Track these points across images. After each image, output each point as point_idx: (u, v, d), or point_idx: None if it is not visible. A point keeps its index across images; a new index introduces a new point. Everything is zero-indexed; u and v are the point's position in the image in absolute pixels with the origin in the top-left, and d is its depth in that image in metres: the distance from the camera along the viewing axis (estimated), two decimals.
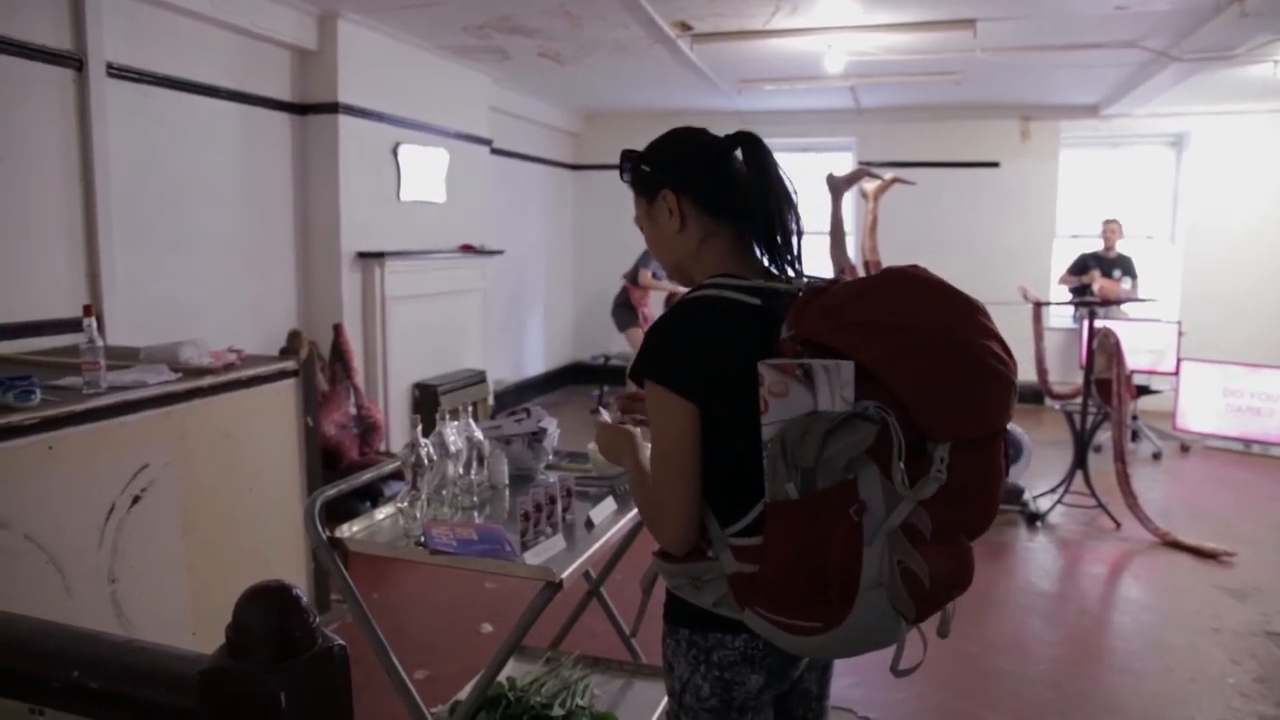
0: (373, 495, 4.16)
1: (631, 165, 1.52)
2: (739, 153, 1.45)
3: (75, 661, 0.85)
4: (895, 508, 1.22)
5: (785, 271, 1.45)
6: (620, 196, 7.55)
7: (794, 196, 1.46)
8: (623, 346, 8.13)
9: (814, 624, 1.27)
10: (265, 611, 0.81)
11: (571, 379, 9.15)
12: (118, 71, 3.83)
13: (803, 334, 1.28)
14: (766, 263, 1.46)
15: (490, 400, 6.44)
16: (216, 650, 0.81)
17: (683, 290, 1.49)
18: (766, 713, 1.48)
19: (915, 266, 1.35)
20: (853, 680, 3.16)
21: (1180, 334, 6.85)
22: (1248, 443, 6.67)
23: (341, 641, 0.84)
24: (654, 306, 7.78)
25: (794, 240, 1.45)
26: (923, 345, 1.25)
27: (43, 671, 0.85)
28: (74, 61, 3.61)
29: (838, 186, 4.52)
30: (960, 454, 1.26)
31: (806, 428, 1.23)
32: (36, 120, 3.52)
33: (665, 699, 2.42)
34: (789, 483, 1.24)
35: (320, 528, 1.78)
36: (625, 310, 7.80)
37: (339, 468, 4.49)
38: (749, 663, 1.40)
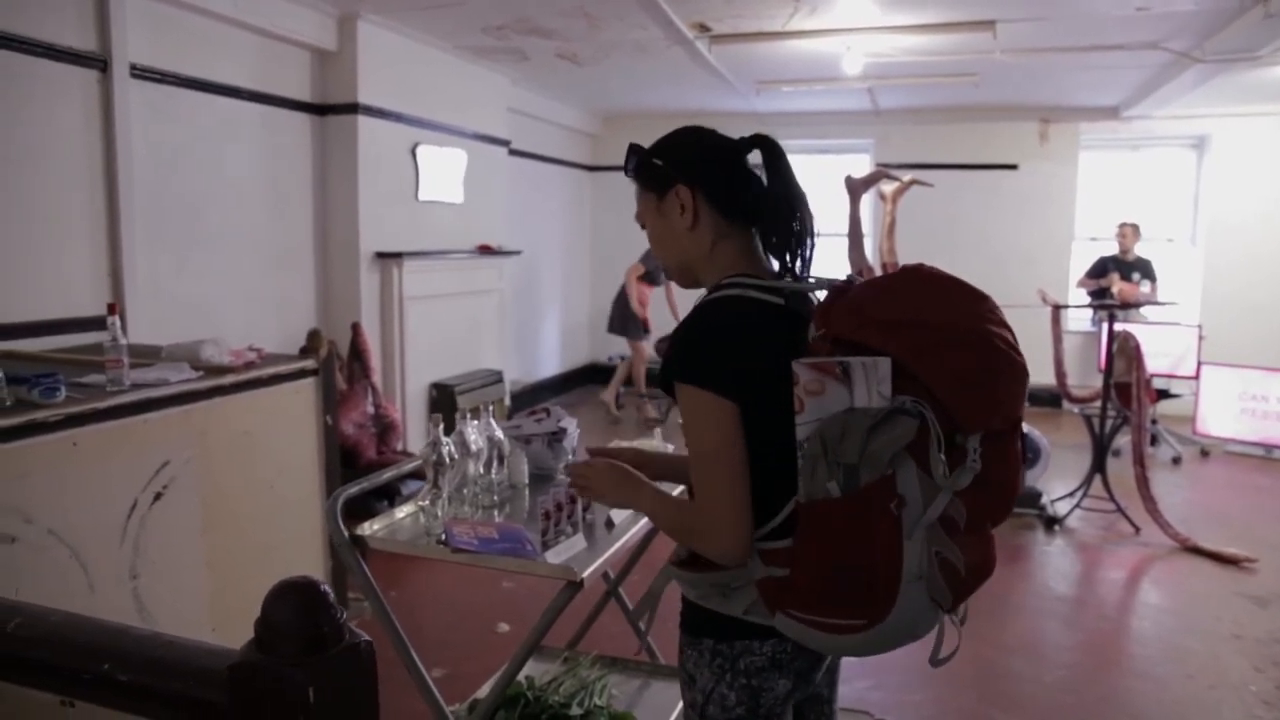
0: (390, 494, 4.19)
1: (640, 160, 1.51)
2: (755, 155, 1.45)
3: (105, 654, 0.86)
4: (933, 500, 1.24)
5: (796, 274, 1.46)
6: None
7: (807, 200, 1.47)
8: None
9: (857, 622, 1.27)
10: (294, 607, 0.81)
11: (587, 380, 9.16)
12: (141, 72, 3.87)
13: (832, 332, 1.28)
14: (775, 266, 1.47)
15: (506, 400, 6.46)
16: (245, 645, 0.81)
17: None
18: (788, 718, 1.46)
19: (922, 265, 1.37)
20: (870, 683, 3.15)
21: (1200, 338, 6.79)
22: (1269, 448, 6.60)
23: (368, 637, 0.84)
24: (655, 311, 7.70)
25: (808, 243, 1.46)
26: (948, 340, 1.27)
27: (74, 664, 0.86)
28: (98, 62, 3.65)
29: (856, 188, 4.51)
30: (989, 445, 1.27)
31: (846, 425, 1.24)
32: (61, 120, 3.56)
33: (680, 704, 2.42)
34: (830, 481, 1.24)
35: (342, 526, 1.79)
36: (631, 320, 7.61)
37: (356, 467, 4.52)
38: (777, 668, 1.39)
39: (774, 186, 1.43)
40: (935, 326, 1.28)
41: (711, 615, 1.40)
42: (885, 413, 1.24)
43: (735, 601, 1.38)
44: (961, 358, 1.26)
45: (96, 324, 3.40)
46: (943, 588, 1.26)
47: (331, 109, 5.07)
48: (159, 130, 4.01)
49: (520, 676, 2.17)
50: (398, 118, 5.38)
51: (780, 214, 1.43)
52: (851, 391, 1.25)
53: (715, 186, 1.44)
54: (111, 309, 2.62)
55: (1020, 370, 1.31)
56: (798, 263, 1.45)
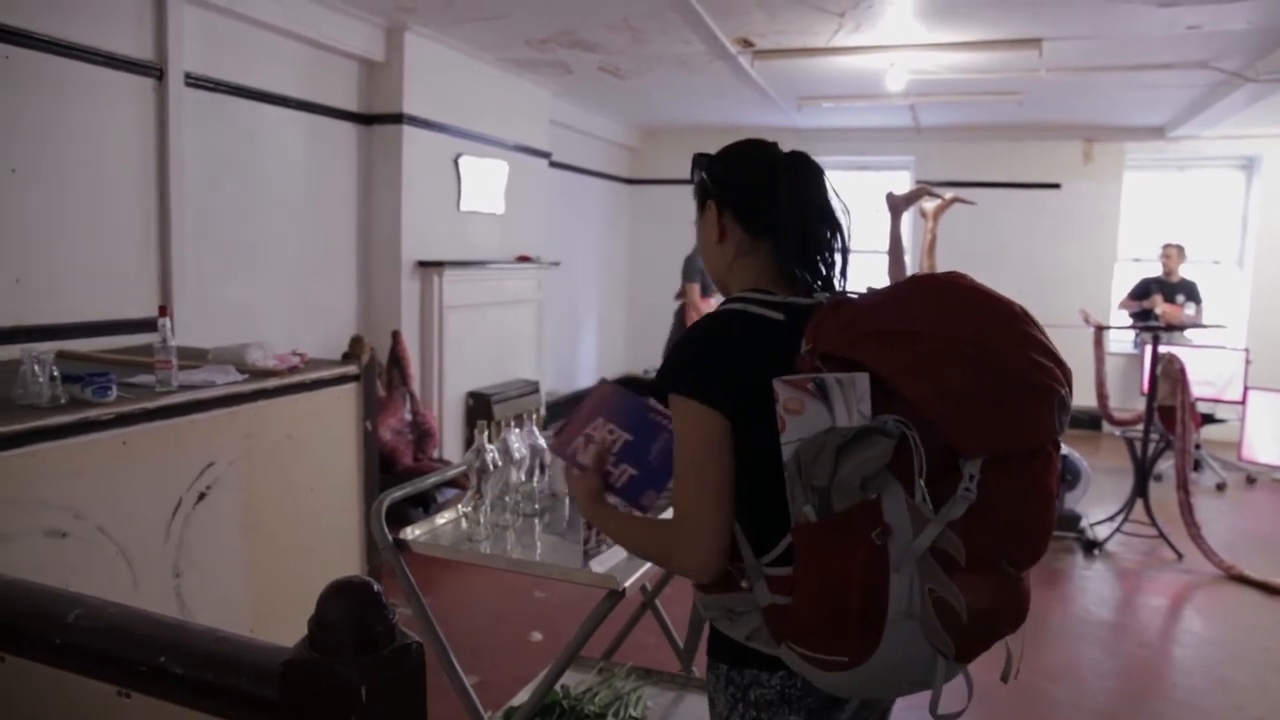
0: (425, 502, 4.22)
1: (695, 170, 1.53)
2: (785, 173, 1.43)
3: (162, 647, 0.88)
4: (922, 531, 1.15)
5: (824, 290, 1.43)
6: (675, 212, 7.55)
7: (839, 216, 1.44)
8: None
9: (839, 659, 1.20)
10: (348, 606, 0.83)
11: None
12: (195, 81, 3.96)
13: (820, 348, 1.23)
14: (811, 281, 1.43)
15: (542, 411, 6.48)
16: (299, 642, 0.82)
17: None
18: None
19: (953, 273, 1.31)
20: (902, 704, 3.10)
21: (1248, 361, 6.65)
22: None
23: (418, 639, 0.85)
24: None
25: (833, 260, 1.43)
26: (942, 353, 1.19)
27: (131, 656, 0.88)
28: (155, 71, 3.74)
29: (897, 205, 4.47)
30: (996, 472, 1.18)
31: (821, 445, 1.17)
32: (118, 127, 3.65)
33: None
34: (806, 504, 1.19)
35: (386, 530, 1.81)
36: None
37: (393, 473, 4.56)
38: (786, 703, 1.32)
39: (796, 203, 1.41)
40: (930, 338, 1.20)
41: (725, 639, 1.37)
42: (857, 432, 1.17)
43: (739, 626, 1.33)
44: (955, 373, 1.18)
45: (146, 326, 3.47)
46: (939, 631, 1.17)
47: (377, 119, 5.15)
48: (209, 137, 4.10)
49: (555, 685, 2.17)
50: (441, 128, 5.45)
51: (801, 230, 1.40)
52: (831, 410, 1.18)
53: (739, 203, 1.44)
54: (162, 311, 2.68)
55: (1042, 392, 1.20)
56: (822, 278, 1.43)
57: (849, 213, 1.45)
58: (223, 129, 4.20)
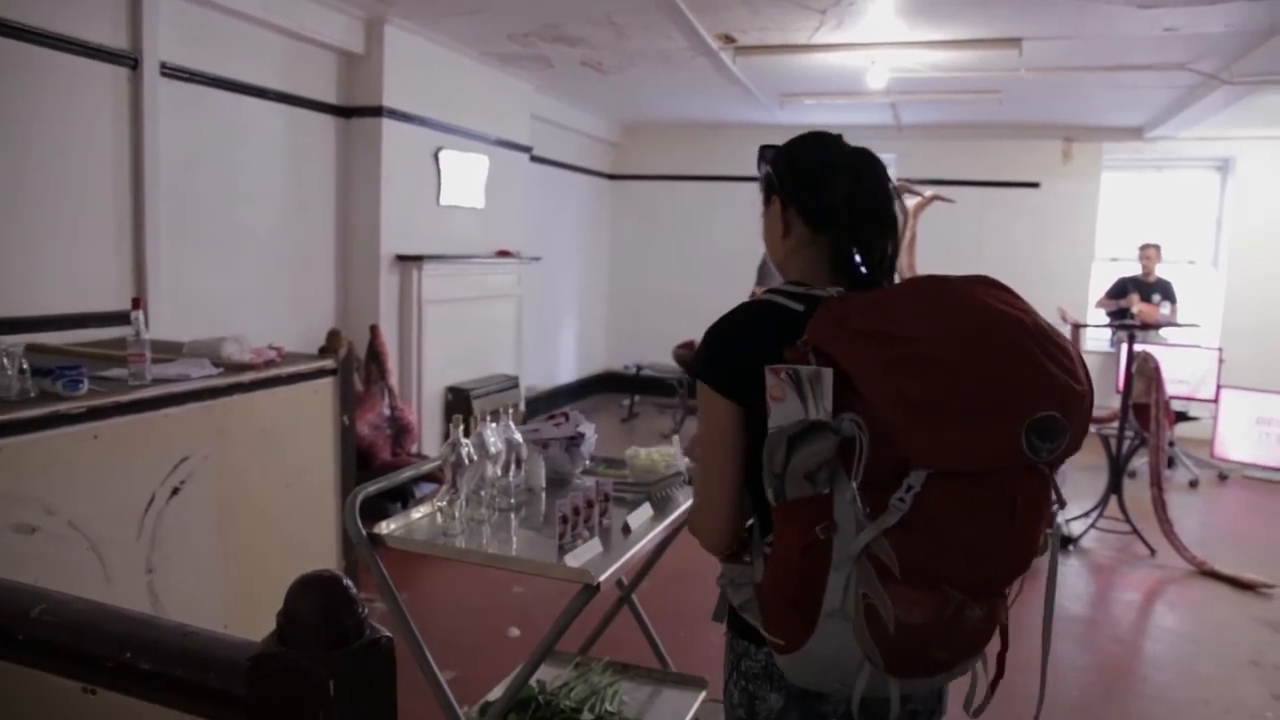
0: (403, 496, 4.20)
1: (759, 164, 1.54)
2: (850, 170, 1.43)
3: (128, 643, 0.87)
4: (859, 533, 1.16)
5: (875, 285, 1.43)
6: (657, 208, 7.62)
7: (892, 218, 1.44)
8: (656, 357, 8.12)
9: (778, 641, 1.25)
10: (316, 600, 0.82)
11: (604, 387, 9.17)
12: (171, 71, 3.91)
13: (811, 341, 1.24)
14: (865, 276, 1.44)
15: (522, 406, 6.47)
16: (266, 637, 0.82)
17: None
18: None
19: (968, 278, 1.30)
20: None
21: (1221, 360, 6.73)
22: None
23: (388, 633, 0.85)
24: None
25: (882, 256, 1.43)
26: (907, 359, 1.17)
27: (96, 651, 0.87)
28: (129, 60, 3.69)
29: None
30: (941, 487, 1.16)
31: (779, 434, 1.20)
32: (91, 116, 3.60)
33: (694, 706, 2.42)
34: (769, 488, 1.22)
35: (360, 524, 1.79)
36: None
37: (371, 468, 4.53)
38: (769, 679, 1.35)
39: (853, 200, 1.41)
40: (900, 341, 1.18)
41: (730, 607, 1.42)
42: (807, 425, 1.18)
43: (738, 596, 1.37)
44: (914, 380, 1.16)
45: (120, 319, 3.44)
46: (866, 638, 1.18)
47: (356, 111, 5.11)
48: (185, 128, 4.05)
49: (532, 680, 2.17)
50: (421, 122, 5.42)
51: (856, 226, 1.41)
52: (803, 402, 1.19)
53: (802, 201, 1.44)
54: (136, 304, 2.65)
55: (1002, 409, 1.15)
56: (881, 274, 1.43)
57: (905, 213, 1.45)
58: (199, 120, 4.15)
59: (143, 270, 3.82)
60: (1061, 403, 1.17)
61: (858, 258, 1.42)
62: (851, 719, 1.25)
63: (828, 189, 1.42)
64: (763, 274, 6.37)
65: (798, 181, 1.46)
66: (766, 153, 1.51)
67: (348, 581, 0.84)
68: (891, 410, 1.16)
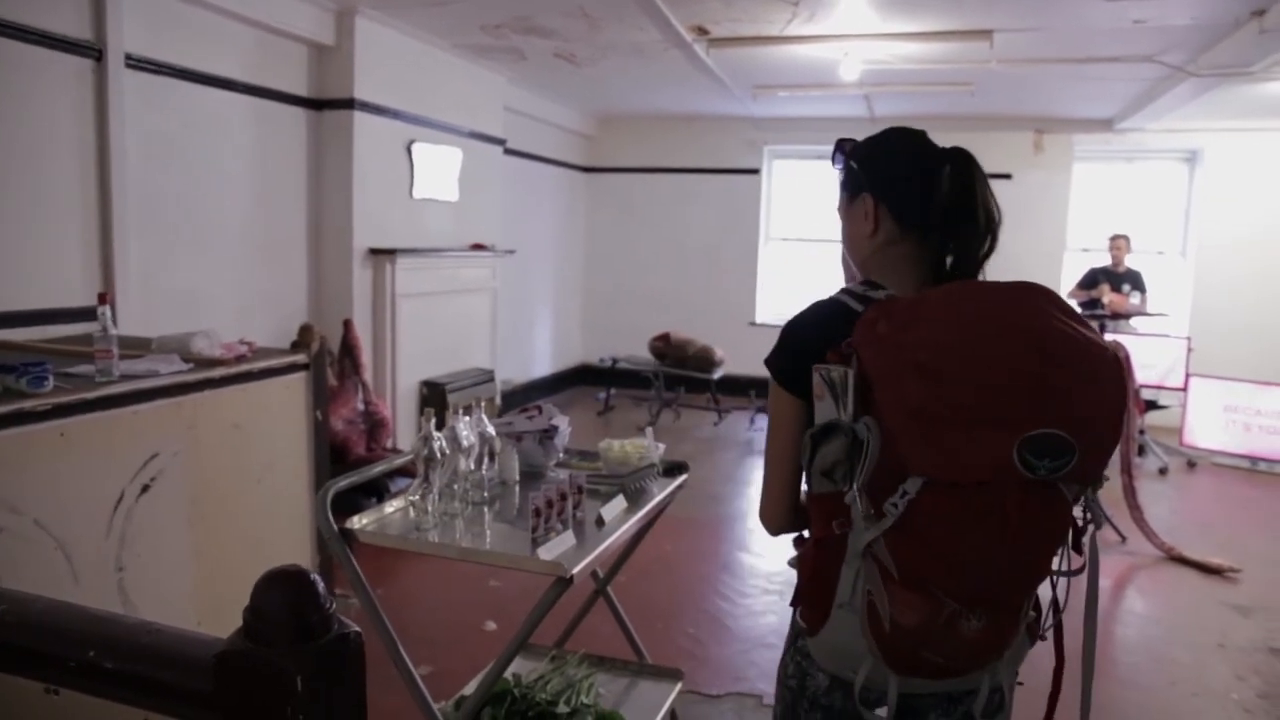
0: (378, 491, 4.17)
1: (843, 158, 1.50)
2: (948, 169, 1.40)
3: (91, 642, 0.86)
4: (862, 533, 1.21)
5: None
6: (633, 201, 7.62)
7: (991, 222, 1.40)
8: (632, 350, 8.12)
9: (803, 624, 1.37)
10: (283, 596, 0.81)
11: (579, 381, 9.16)
12: (136, 62, 3.85)
13: (853, 342, 1.25)
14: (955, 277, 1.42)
15: (497, 400, 6.45)
16: (233, 633, 0.81)
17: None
18: None
19: (1012, 285, 1.27)
20: None
21: (1189, 350, 6.83)
22: (1255, 460, 6.64)
23: (357, 628, 0.84)
24: None
25: (975, 258, 1.40)
26: (913, 365, 1.18)
27: (58, 651, 0.86)
28: (93, 51, 3.63)
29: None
30: (933, 495, 1.16)
31: (808, 432, 1.28)
32: (54, 109, 3.54)
33: (670, 698, 2.42)
34: (805, 482, 1.31)
35: (332, 520, 1.78)
36: None
37: (346, 463, 4.50)
38: (816, 659, 1.40)
39: (955, 202, 1.38)
40: (911, 348, 1.19)
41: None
42: (825, 427, 1.24)
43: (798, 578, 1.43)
44: (916, 387, 1.17)
45: (87, 314, 3.39)
46: (867, 634, 1.23)
47: (327, 104, 5.06)
48: (153, 121, 4.00)
49: (507, 674, 2.17)
50: (394, 114, 5.37)
51: (954, 229, 1.39)
52: (835, 402, 1.23)
53: (897, 199, 1.42)
54: (102, 299, 2.60)
55: (993, 422, 1.14)
56: (971, 276, 1.40)
57: (1001, 217, 1.41)
58: (167, 113, 4.10)
59: (110, 265, 3.76)
60: (1067, 421, 1.15)
61: (950, 259, 1.41)
62: (891, 711, 1.30)
63: (926, 187, 1.39)
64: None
65: (895, 179, 1.43)
66: (846, 145, 1.49)
67: (315, 576, 0.84)
68: (893, 416, 1.18)
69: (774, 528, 1.44)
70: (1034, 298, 1.24)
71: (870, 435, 1.19)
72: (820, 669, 1.38)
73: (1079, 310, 6.44)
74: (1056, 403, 1.15)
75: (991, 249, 1.41)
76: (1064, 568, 1.29)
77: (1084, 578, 1.32)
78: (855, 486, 1.20)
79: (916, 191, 1.40)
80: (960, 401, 1.16)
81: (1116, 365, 1.22)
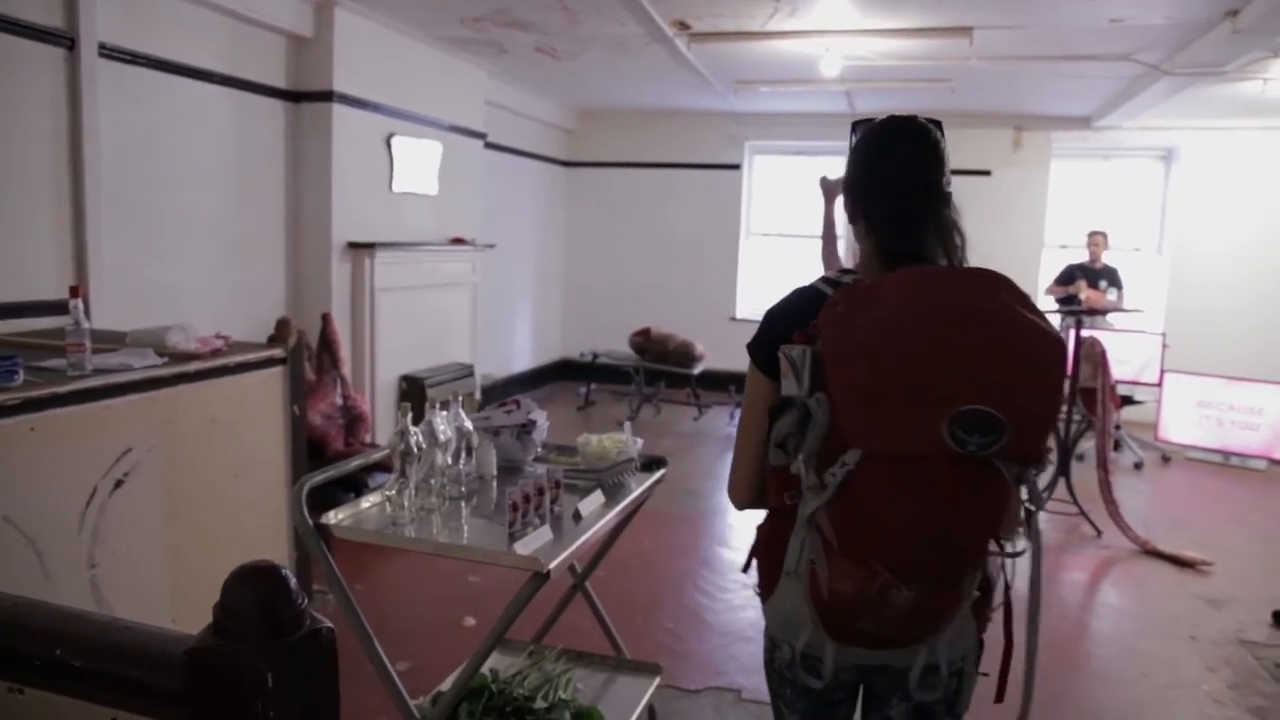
0: (357, 486, 4.14)
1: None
2: (882, 153, 1.46)
3: (58, 639, 0.84)
4: (808, 504, 1.28)
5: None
6: (613, 195, 7.59)
7: (934, 188, 1.42)
8: (612, 345, 8.10)
9: (758, 591, 1.45)
10: (254, 592, 0.80)
11: (560, 375, 9.15)
12: (110, 52, 3.80)
13: (817, 324, 1.31)
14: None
15: (477, 395, 6.43)
16: (203, 630, 0.80)
17: None
18: (804, 703, 1.48)
19: (959, 270, 1.36)
20: None
21: (1164, 346, 6.91)
22: (1227, 454, 6.73)
23: (329, 624, 0.83)
24: None
25: (927, 237, 1.41)
26: (859, 345, 1.25)
27: (24, 649, 0.84)
28: (65, 40, 3.58)
29: (831, 190, 4.52)
30: (869, 468, 1.21)
31: (768, 407, 1.36)
32: (25, 98, 3.49)
33: (648, 693, 2.42)
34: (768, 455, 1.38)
35: (307, 515, 1.77)
36: None
37: (324, 458, 4.47)
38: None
39: (874, 181, 1.46)
40: (860, 328, 1.25)
41: None
42: (781, 401, 1.31)
43: None
44: (861, 365, 1.23)
45: (59, 308, 3.34)
46: (808, 601, 1.29)
47: (306, 96, 5.01)
48: (128, 112, 3.94)
49: (485, 669, 2.16)
50: (373, 107, 5.33)
51: (880, 210, 1.44)
52: (795, 380, 1.30)
53: (853, 203, 1.49)
54: (74, 292, 2.57)
55: (924, 399, 1.19)
56: (944, 258, 1.43)
57: (934, 182, 1.43)
58: (142, 103, 4.04)
59: (83, 258, 3.71)
60: (998, 400, 1.18)
61: (883, 229, 1.44)
62: (839, 686, 1.44)
63: (864, 179, 1.46)
64: None
65: (851, 183, 1.49)
66: (858, 130, 1.54)
67: (286, 572, 0.83)
68: (839, 391, 1.25)
69: (740, 501, 1.50)
70: (983, 283, 1.29)
71: (819, 409, 1.25)
72: (779, 640, 1.45)
73: (1054, 302, 6.41)
74: (988, 382, 1.20)
75: (928, 217, 1.41)
76: (1031, 552, 1.34)
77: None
78: (801, 457, 1.27)
79: (855, 178, 1.48)
80: (897, 378, 1.22)
81: (1057, 350, 1.27)
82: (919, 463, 1.20)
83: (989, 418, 1.18)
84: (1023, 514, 1.30)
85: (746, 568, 1.50)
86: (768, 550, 1.40)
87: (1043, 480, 4.15)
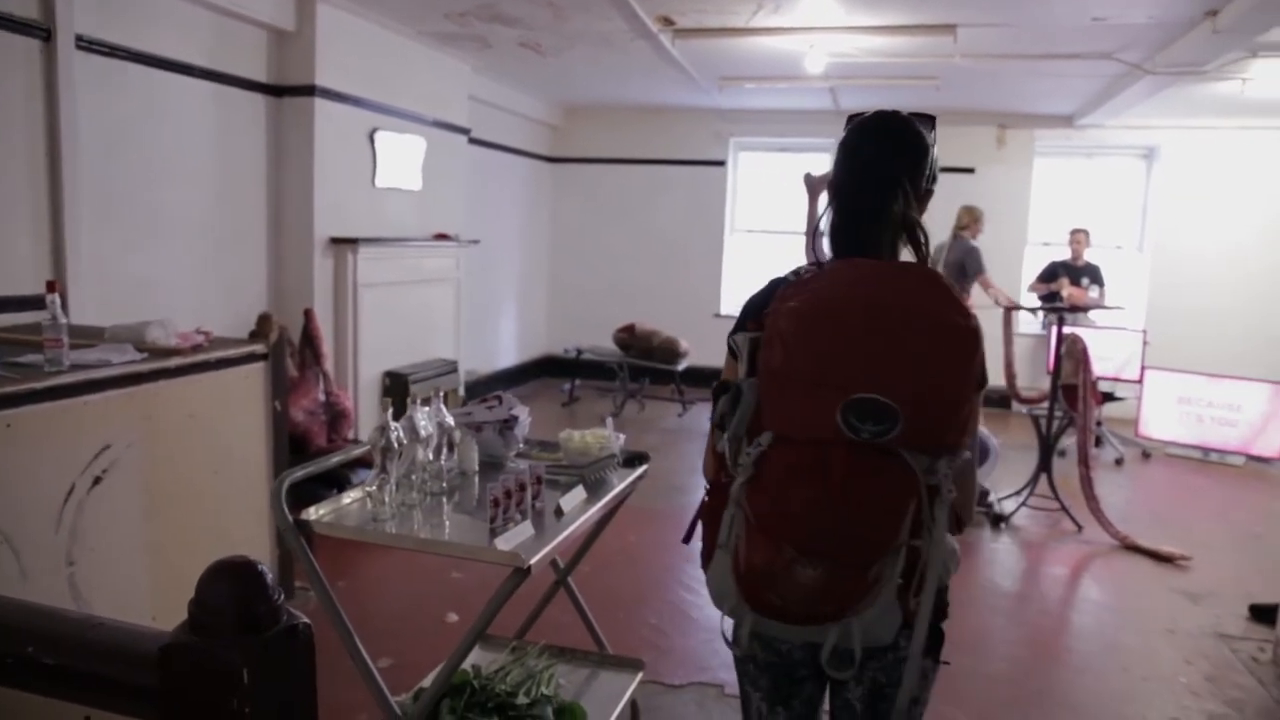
0: (340, 483, 4.12)
1: None
2: (850, 149, 1.52)
3: (29, 637, 0.84)
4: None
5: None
6: (599, 191, 7.59)
7: (869, 182, 1.47)
8: (597, 341, 8.09)
9: (702, 563, 1.48)
10: (229, 587, 0.80)
11: (544, 372, 9.13)
12: (87, 44, 3.75)
13: (767, 311, 1.38)
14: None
15: (461, 391, 6.41)
16: (178, 626, 0.79)
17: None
18: (767, 680, 1.55)
19: (876, 263, 1.41)
20: None
21: (1145, 343, 6.96)
22: (1206, 450, 6.79)
23: (306, 619, 0.83)
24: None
25: (877, 232, 1.44)
26: (778, 333, 1.32)
27: None
28: (41, 31, 3.53)
29: (815, 186, 4.53)
30: (777, 449, 1.29)
31: (712, 388, 1.45)
32: (1, 90, 3.44)
33: (630, 688, 2.42)
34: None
35: (287, 511, 1.76)
36: None
37: (307, 454, 4.45)
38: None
39: (839, 176, 1.52)
40: (779, 315, 1.34)
41: None
42: (721, 384, 1.42)
43: None
44: (777, 352, 1.32)
45: (35, 303, 3.30)
46: (731, 572, 1.35)
47: (288, 90, 4.98)
48: (106, 105, 3.90)
49: (467, 665, 2.16)
50: (356, 102, 5.30)
51: (845, 211, 1.50)
52: (739, 363, 1.41)
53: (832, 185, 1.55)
54: (51, 287, 2.54)
55: (818, 386, 1.27)
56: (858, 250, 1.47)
57: (886, 181, 1.44)
58: (121, 97, 4.00)
59: (60, 252, 3.67)
60: (893, 389, 1.24)
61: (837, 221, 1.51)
62: (787, 659, 1.51)
63: (835, 174, 1.52)
64: (976, 261, 6.27)
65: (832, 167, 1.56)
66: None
67: (263, 567, 0.82)
68: (762, 376, 1.34)
69: (706, 475, 1.54)
70: (905, 277, 1.36)
71: (749, 392, 1.34)
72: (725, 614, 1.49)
73: (1037, 299, 6.39)
74: (884, 372, 1.26)
75: (880, 214, 1.44)
76: (923, 539, 1.33)
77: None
78: (725, 436, 1.35)
79: (833, 187, 1.54)
80: (802, 364, 1.30)
81: (964, 343, 1.30)
82: (818, 447, 1.26)
83: (882, 406, 1.23)
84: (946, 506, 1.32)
85: (687, 538, 1.55)
86: (707, 525, 1.46)
87: (1023, 471, 4.12)
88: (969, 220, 6.52)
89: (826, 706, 1.63)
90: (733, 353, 1.47)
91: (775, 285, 1.48)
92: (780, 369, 1.30)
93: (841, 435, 1.24)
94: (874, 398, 1.23)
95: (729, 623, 1.46)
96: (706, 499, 1.49)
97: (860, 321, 1.29)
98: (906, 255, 1.48)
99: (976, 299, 7.04)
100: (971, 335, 1.31)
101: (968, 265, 6.51)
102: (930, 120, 1.53)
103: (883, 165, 1.46)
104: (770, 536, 1.30)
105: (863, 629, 1.35)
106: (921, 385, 1.26)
